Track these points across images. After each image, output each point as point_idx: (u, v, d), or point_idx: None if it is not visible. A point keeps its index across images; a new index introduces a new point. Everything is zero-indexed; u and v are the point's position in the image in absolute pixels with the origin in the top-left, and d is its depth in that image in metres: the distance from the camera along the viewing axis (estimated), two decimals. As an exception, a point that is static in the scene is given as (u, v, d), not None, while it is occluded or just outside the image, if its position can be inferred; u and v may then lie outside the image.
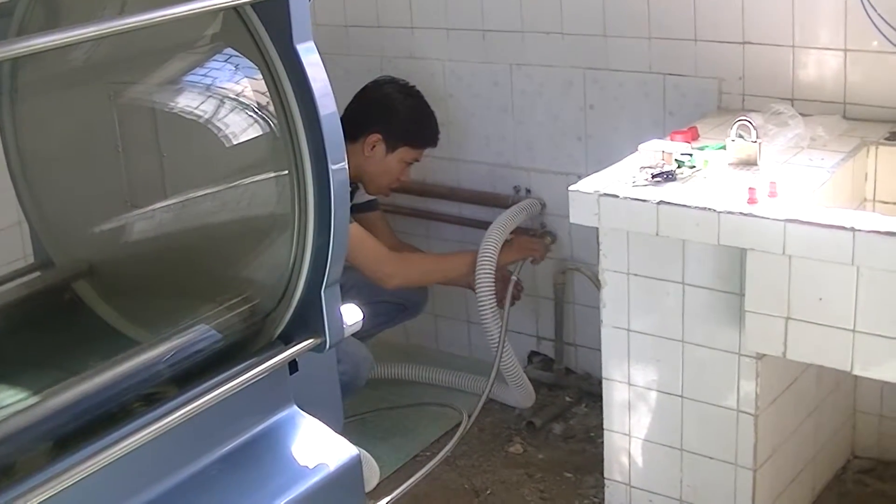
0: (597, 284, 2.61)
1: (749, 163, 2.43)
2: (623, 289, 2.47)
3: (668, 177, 2.37)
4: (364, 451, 2.27)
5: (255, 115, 1.91)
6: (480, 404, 3.18)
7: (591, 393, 3.27)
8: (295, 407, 2.03)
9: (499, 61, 3.26)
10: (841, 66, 2.69)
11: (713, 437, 2.45)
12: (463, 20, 3.29)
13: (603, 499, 2.70)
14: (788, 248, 2.14)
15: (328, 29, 3.52)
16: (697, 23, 2.88)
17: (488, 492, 2.94)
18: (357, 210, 3.15)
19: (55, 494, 1.58)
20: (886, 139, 2.55)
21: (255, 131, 1.91)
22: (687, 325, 2.41)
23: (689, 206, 2.25)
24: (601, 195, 2.36)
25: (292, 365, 2.00)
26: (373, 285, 3.05)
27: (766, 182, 2.25)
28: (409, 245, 3.45)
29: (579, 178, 2.56)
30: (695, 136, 2.60)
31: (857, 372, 2.17)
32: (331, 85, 1.83)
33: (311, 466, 1.96)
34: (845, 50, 2.67)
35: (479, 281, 3.10)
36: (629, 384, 2.53)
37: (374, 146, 3.11)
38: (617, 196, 2.34)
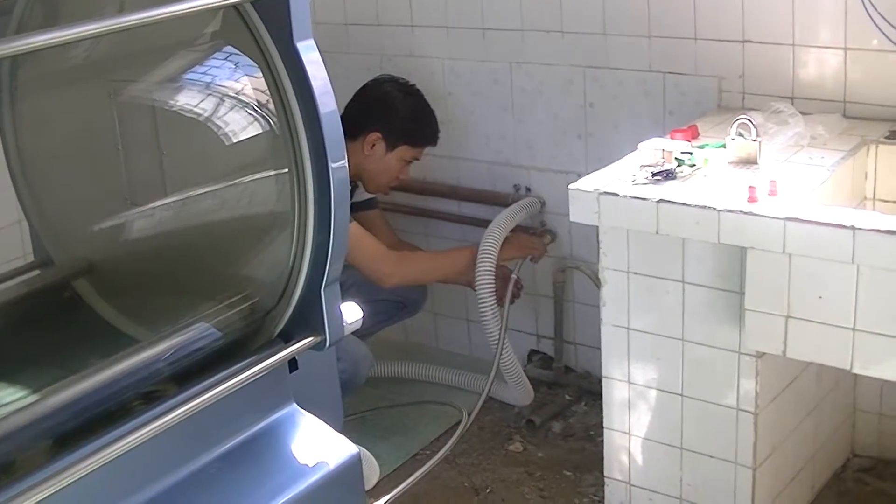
0: (596, 283, 2.61)
1: (749, 161, 2.43)
2: (623, 287, 2.47)
3: (668, 175, 2.37)
4: (364, 450, 2.26)
5: (254, 114, 1.90)
6: (480, 403, 3.18)
7: (590, 391, 3.27)
8: (295, 405, 2.02)
9: (499, 59, 3.26)
10: (841, 65, 2.69)
11: (713, 435, 2.45)
12: (463, 18, 3.29)
13: (602, 497, 2.70)
14: (788, 247, 2.13)
15: (328, 27, 3.52)
16: (697, 21, 2.87)
17: (488, 490, 2.94)
18: (356, 208, 3.14)
19: (55, 492, 1.58)
20: (886, 138, 2.55)
21: (254, 129, 1.91)
22: (687, 324, 2.41)
23: (689, 205, 2.25)
24: (601, 193, 2.36)
25: (292, 363, 2.00)
26: (372, 283, 3.05)
27: (766, 180, 2.25)
28: (409, 244, 3.45)
29: (579, 176, 2.56)
30: (695, 135, 2.59)
31: (856, 370, 2.17)
32: (331, 83, 1.82)
33: (310, 465, 1.95)
34: (845, 48, 2.67)
35: (479, 279, 3.10)
36: (629, 382, 2.53)
37: (373, 144, 3.11)
38: (617, 194, 2.34)
